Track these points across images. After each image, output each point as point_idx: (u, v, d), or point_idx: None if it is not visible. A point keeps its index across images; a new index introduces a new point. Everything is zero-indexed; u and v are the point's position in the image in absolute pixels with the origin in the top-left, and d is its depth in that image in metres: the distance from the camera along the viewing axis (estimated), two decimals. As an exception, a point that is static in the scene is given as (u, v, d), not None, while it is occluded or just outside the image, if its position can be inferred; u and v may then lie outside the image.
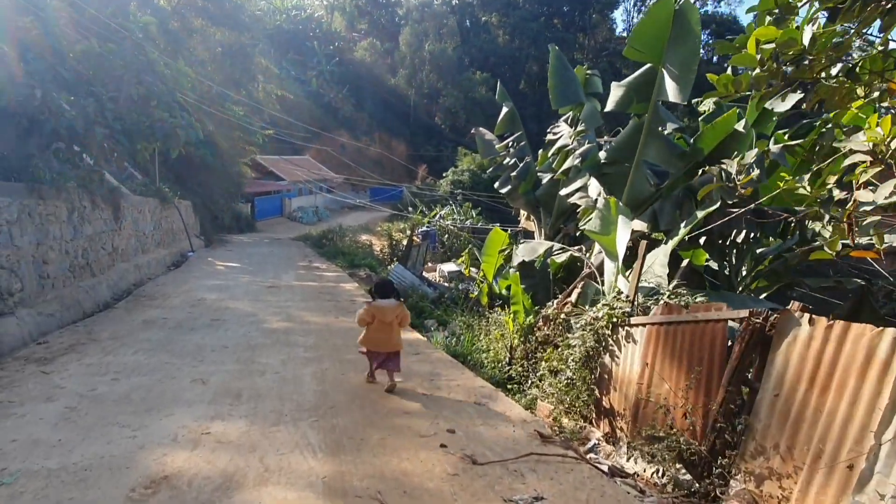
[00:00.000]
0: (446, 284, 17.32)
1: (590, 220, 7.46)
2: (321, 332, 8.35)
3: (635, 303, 4.97)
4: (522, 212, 15.12)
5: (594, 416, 5.06)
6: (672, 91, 6.66)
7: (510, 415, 5.05)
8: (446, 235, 30.98)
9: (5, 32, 8.08)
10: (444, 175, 55.19)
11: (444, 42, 66.32)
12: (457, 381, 6.08)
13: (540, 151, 11.00)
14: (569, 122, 9.90)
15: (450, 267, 22.84)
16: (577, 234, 9.76)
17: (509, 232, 10.12)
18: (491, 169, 10.00)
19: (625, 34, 77.28)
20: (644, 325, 4.61)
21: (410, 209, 43.16)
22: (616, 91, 7.42)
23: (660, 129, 7.37)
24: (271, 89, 37.77)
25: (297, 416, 4.75)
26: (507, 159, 11.32)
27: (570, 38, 71.77)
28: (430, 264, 23.04)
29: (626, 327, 4.84)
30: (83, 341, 7.13)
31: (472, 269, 13.46)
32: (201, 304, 10.23)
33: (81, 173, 9.07)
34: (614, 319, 4.96)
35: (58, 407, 4.71)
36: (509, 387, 6.65)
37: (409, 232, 29.03)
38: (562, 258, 8.33)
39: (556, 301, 7.42)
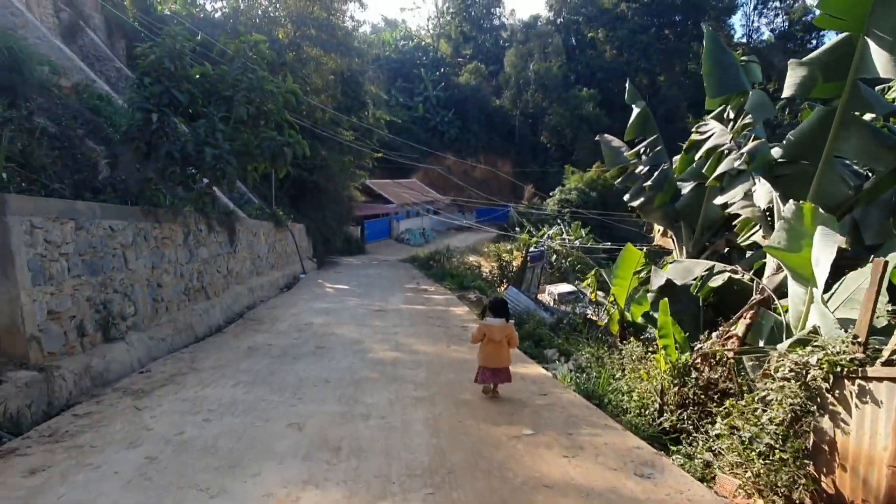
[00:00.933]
0: (562, 308, 15.94)
1: (754, 232, 5.95)
2: (432, 363, 7.39)
3: (867, 346, 3.53)
4: (657, 227, 13.47)
5: (809, 502, 3.62)
6: (883, 64, 5.06)
7: (689, 495, 3.74)
8: (555, 256, 29.53)
9: (122, 58, 7.91)
10: (550, 194, 53.55)
11: (549, 61, 65.07)
12: (601, 436, 4.82)
13: (677, 157, 9.49)
14: (725, 118, 8.28)
15: (561, 288, 21.35)
16: (727, 251, 8.16)
17: (643, 250, 8.71)
18: (619, 179, 8.68)
19: (744, 40, 72.02)
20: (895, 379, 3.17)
21: (517, 229, 41.94)
22: (797, 72, 5.87)
23: (859, 114, 5.73)
24: (380, 115, 38.35)
25: (408, 484, 3.74)
26: (640, 167, 9.88)
27: (683, 48, 67.96)
28: (540, 286, 21.75)
29: (859, 380, 3.41)
30: (184, 371, 6.63)
31: (599, 293, 12.05)
32: (308, 329, 9.67)
33: (194, 195, 8.83)
34: (837, 368, 3.53)
35: (138, 457, 4.04)
36: (664, 441, 5.28)
37: (520, 252, 27.87)
38: (717, 281, 6.81)
39: (714, 334, 5.97)
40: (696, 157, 8.37)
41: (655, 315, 6.90)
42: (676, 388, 5.60)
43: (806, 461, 3.64)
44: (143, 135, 8.69)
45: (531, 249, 28.64)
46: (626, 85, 11.77)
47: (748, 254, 7.43)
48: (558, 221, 42.82)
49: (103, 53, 18.48)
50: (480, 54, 74.77)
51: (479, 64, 69.77)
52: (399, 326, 10.33)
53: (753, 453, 3.82)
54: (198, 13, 20.45)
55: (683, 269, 6.85)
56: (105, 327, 7.11)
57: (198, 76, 9.03)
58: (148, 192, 9.03)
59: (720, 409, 4.59)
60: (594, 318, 11.58)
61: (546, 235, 35.81)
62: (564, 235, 36.62)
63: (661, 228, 13.02)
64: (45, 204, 6.16)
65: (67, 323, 6.40)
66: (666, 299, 6.07)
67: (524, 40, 67.80)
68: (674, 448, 5.06)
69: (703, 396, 5.35)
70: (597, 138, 9.55)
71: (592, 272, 11.27)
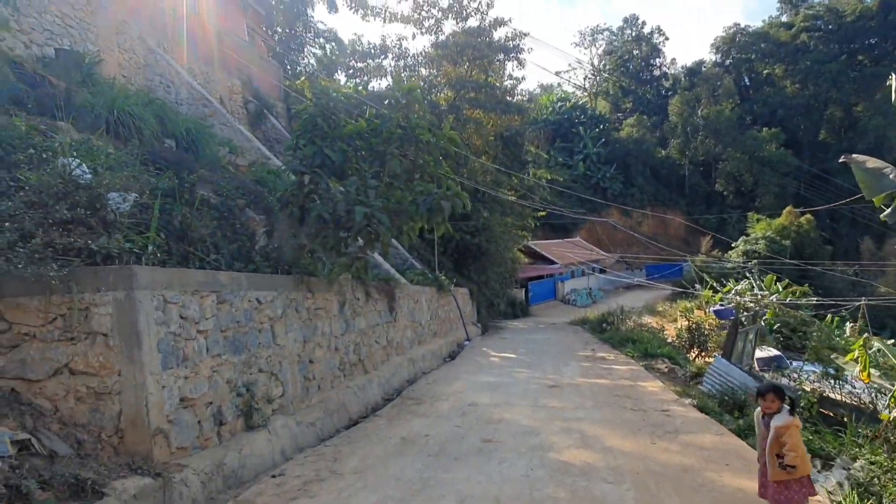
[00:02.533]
0: (765, 376, 12.74)
1: None
2: (639, 474, 5.37)
3: None
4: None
5: None
6: None
7: None
8: (744, 313, 25.42)
9: (281, 117, 7.38)
10: (732, 245, 47.88)
11: (719, 104, 59.98)
12: None
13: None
14: None
15: (763, 353, 17.70)
16: None
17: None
18: (890, 210, 6.18)
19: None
20: None
21: (697, 285, 37.47)
22: None
23: None
24: (542, 174, 37.26)
25: None
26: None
27: (883, 73, 58.76)
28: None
29: None
30: (322, 475, 5.38)
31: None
32: (472, 412, 8.13)
33: (346, 260, 7.96)
34: None
35: None
36: None
37: (705, 312, 24.19)
38: None
39: None
40: None
41: None
42: None
43: None
44: (296, 199, 8.07)
45: (714, 307, 24.85)
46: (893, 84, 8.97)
47: None
48: (747, 275, 37.56)
49: (282, 136, 19.57)
50: (641, 107, 71.62)
51: (642, 116, 66.58)
52: (581, 408, 8.38)
53: None
54: (365, 92, 21.28)
55: None
56: (247, 413, 6.21)
57: (350, 134, 8.33)
58: (302, 259, 8.35)
59: None
60: (843, 397, 8.59)
61: (733, 291, 31.34)
62: (756, 290, 31.80)
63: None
64: (181, 276, 5.45)
65: (203, 410, 5.53)
66: None
67: (689, 86, 63.58)
68: None
69: None
70: (842, 159, 7.09)
71: (859, 343, 8.31)
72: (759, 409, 4.57)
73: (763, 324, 18.80)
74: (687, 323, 17.92)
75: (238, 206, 8.69)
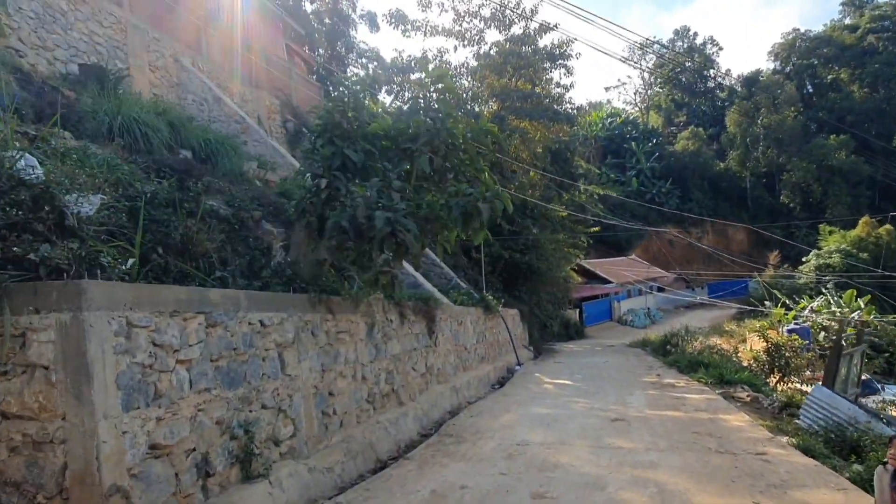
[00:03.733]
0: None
1: None
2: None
3: None
4: None
5: None
6: None
7: None
8: (823, 333, 22.94)
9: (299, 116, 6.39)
10: (803, 260, 44.46)
11: (780, 112, 56.62)
12: None
13: None
14: None
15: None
16: None
17: None
18: None
19: None
20: None
21: (767, 303, 34.59)
22: None
23: None
24: (593, 189, 35.56)
25: None
26: None
27: (966, 71, 54.37)
28: (807, 373, 15.95)
29: None
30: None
31: None
32: (520, 455, 6.75)
33: (369, 276, 6.82)
34: None
35: None
36: None
37: (778, 331, 21.88)
38: None
39: None
40: None
41: None
42: None
43: None
44: (314, 207, 7.03)
45: (788, 327, 22.53)
46: None
47: None
48: (822, 290, 34.47)
49: (322, 154, 18.88)
50: (696, 119, 68.73)
51: (697, 128, 63.76)
52: (654, 450, 6.86)
53: None
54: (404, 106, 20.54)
55: None
56: (244, 459, 5.07)
57: (375, 133, 7.26)
58: (321, 276, 7.27)
59: None
60: None
61: (808, 308, 28.61)
62: (834, 307, 28.98)
63: None
64: (153, 293, 4.40)
65: (182, 460, 4.42)
66: None
67: (747, 96, 60.40)
68: None
69: None
70: None
71: None
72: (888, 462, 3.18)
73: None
74: (765, 344, 15.86)
75: (253, 218, 7.73)
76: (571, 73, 20.28)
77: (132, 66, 12.08)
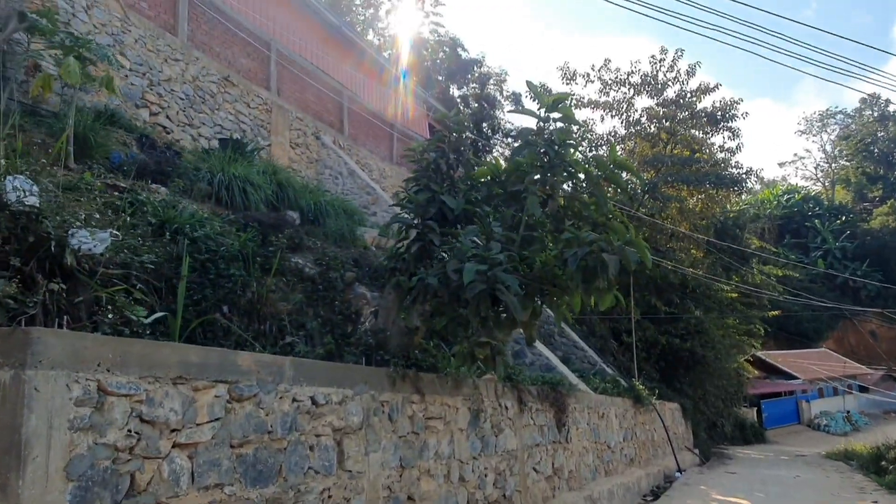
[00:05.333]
0: None
1: None
2: None
3: None
4: None
5: None
6: None
7: None
8: None
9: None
10: None
11: None
12: None
13: None
14: None
15: None
16: None
17: None
18: None
19: None
20: None
21: None
22: None
23: None
24: (769, 269, 30.77)
25: None
26: None
27: None
28: None
29: None
30: None
31: None
32: None
33: (462, 348, 5.33)
34: None
35: None
36: None
37: None
38: None
39: None
40: None
41: None
42: None
43: None
44: (405, 265, 5.85)
45: None
46: None
47: None
48: None
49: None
50: (895, 193, 58.59)
51: (898, 203, 54.30)
52: None
53: None
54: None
55: None
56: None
57: (482, 179, 6.00)
58: (412, 348, 5.93)
59: None
60: None
61: None
62: None
63: None
64: (146, 351, 3.34)
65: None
66: None
67: (965, 162, 50.34)
68: None
69: None
70: None
71: None
72: None
73: None
74: None
75: (344, 279, 6.72)
76: (737, 136, 17.69)
77: (273, 142, 12.39)
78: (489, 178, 6.01)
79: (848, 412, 36.53)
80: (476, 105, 24.09)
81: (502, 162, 6.19)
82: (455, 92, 24.49)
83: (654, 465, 13.04)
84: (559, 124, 5.53)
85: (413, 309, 5.76)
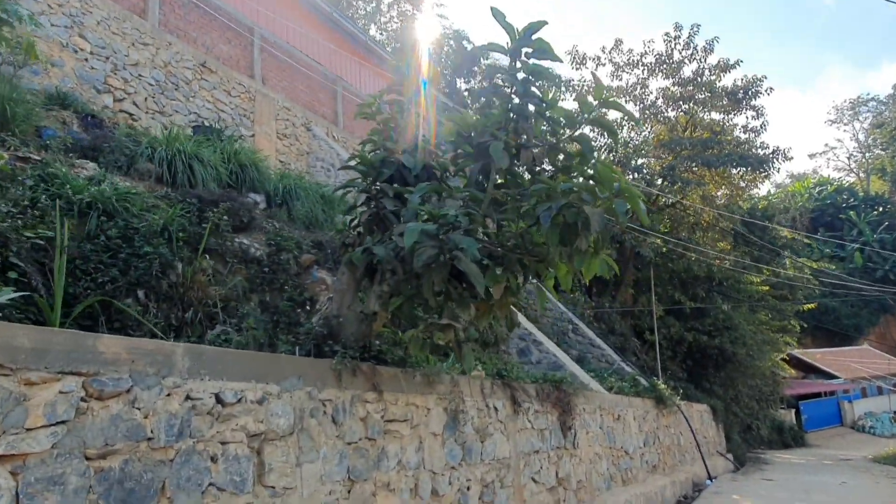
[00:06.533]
0: None
1: None
2: None
3: None
4: None
5: None
6: None
7: None
8: None
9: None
10: None
11: None
12: None
13: None
14: None
15: None
16: None
17: None
18: None
19: None
20: None
21: None
22: None
23: None
24: (803, 262, 29.02)
25: None
26: None
27: None
28: None
29: None
30: None
31: None
32: None
33: (416, 332, 4.33)
34: None
35: None
36: None
37: None
38: None
39: None
40: None
41: None
42: None
43: None
44: (359, 238, 4.92)
45: None
46: None
47: None
48: None
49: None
50: (935, 180, 55.67)
51: (939, 190, 51.54)
52: None
53: None
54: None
55: None
56: None
57: (449, 136, 5.03)
58: (372, 337, 4.97)
59: None
60: None
61: None
62: None
63: None
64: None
65: None
66: None
67: None
68: None
69: None
70: None
71: None
72: None
73: None
74: None
75: (300, 262, 5.81)
76: (761, 115, 16.32)
77: (258, 132, 11.62)
78: (456, 135, 5.05)
79: (894, 412, 34.26)
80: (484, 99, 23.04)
81: (471, 115, 5.21)
82: (462, 85, 23.58)
83: (681, 472, 11.79)
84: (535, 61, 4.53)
85: (371, 291, 4.82)
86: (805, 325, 28.87)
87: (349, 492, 4.19)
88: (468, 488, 5.45)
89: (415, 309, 4.43)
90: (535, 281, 4.76)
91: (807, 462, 19.05)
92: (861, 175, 61.72)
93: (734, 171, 16.19)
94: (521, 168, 4.48)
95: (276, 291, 5.36)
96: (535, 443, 6.82)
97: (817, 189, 56.37)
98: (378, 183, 4.77)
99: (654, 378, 13.47)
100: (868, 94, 71.32)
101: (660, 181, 15.82)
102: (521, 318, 10.89)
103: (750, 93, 16.02)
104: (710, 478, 12.52)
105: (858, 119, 63.16)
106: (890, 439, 26.80)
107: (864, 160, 62.91)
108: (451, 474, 5.27)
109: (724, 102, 16.77)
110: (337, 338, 4.83)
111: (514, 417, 6.48)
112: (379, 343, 5.06)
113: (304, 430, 3.94)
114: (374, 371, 4.64)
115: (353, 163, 4.95)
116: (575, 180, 4.05)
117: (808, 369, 35.25)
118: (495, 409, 6.19)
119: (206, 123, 10.15)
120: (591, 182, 3.89)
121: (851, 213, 51.08)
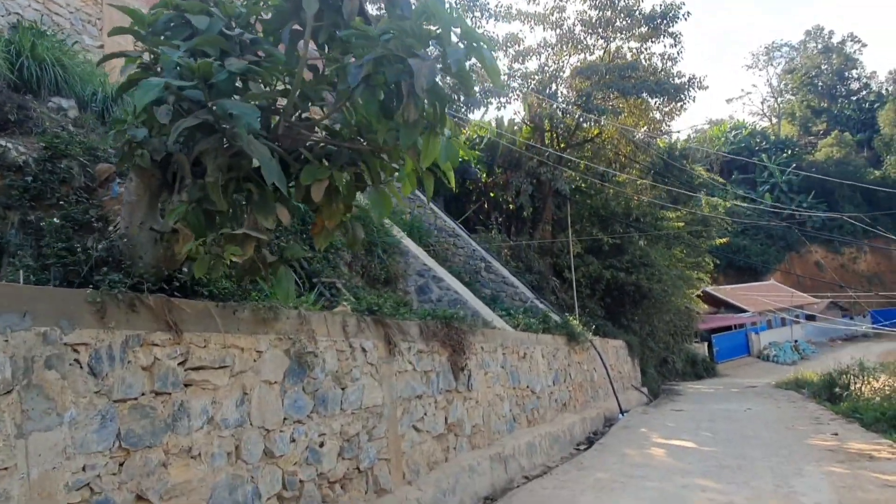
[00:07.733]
0: None
1: None
2: None
3: None
4: None
5: None
6: None
7: None
8: None
9: None
10: None
11: (952, 104, 46.16)
12: None
13: None
14: None
15: None
16: None
17: None
18: None
19: None
20: None
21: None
22: None
23: None
24: (717, 201, 29.58)
25: None
26: None
27: None
28: None
29: None
30: None
31: None
32: None
33: (201, 248, 3.20)
34: None
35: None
36: None
37: None
38: None
39: None
40: None
41: None
42: None
43: None
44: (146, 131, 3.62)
45: None
46: None
47: None
48: None
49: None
50: (838, 125, 58.66)
51: (844, 133, 54.31)
52: None
53: None
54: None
55: None
56: None
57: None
58: (171, 265, 3.78)
59: None
60: None
61: None
62: None
63: None
64: None
65: None
66: None
67: (905, 90, 50.30)
68: None
69: None
70: None
71: None
72: None
73: None
74: None
75: (96, 173, 4.46)
76: (678, 42, 15.71)
77: (107, 45, 9.69)
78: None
79: (796, 342, 36.63)
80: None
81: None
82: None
83: (593, 408, 11.48)
84: None
85: (169, 203, 3.60)
86: (718, 262, 29.75)
87: (120, 466, 3.09)
88: (321, 444, 4.48)
89: (200, 217, 3.25)
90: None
91: (716, 391, 19.67)
92: (773, 120, 64.16)
93: (651, 100, 15.62)
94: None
95: (50, 208, 4.03)
96: (418, 387, 5.94)
97: (733, 133, 58.19)
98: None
99: (567, 314, 12.99)
100: (782, 41, 73.39)
101: (578, 114, 15.02)
102: (421, 253, 9.93)
103: (668, 17, 15.33)
104: (621, 412, 12.33)
105: (772, 65, 65.23)
106: (791, 366, 28.41)
107: (776, 105, 65.34)
108: (296, 429, 4.27)
109: (644, 30, 16.01)
110: (124, 265, 3.62)
111: (389, 360, 5.53)
112: (185, 271, 3.88)
113: (32, 385, 2.77)
114: (166, 305, 3.47)
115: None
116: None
117: (719, 304, 36.88)
118: (363, 350, 5.20)
119: (28, 25, 8.22)
120: (423, 26, 2.78)
121: (763, 155, 53.09)
